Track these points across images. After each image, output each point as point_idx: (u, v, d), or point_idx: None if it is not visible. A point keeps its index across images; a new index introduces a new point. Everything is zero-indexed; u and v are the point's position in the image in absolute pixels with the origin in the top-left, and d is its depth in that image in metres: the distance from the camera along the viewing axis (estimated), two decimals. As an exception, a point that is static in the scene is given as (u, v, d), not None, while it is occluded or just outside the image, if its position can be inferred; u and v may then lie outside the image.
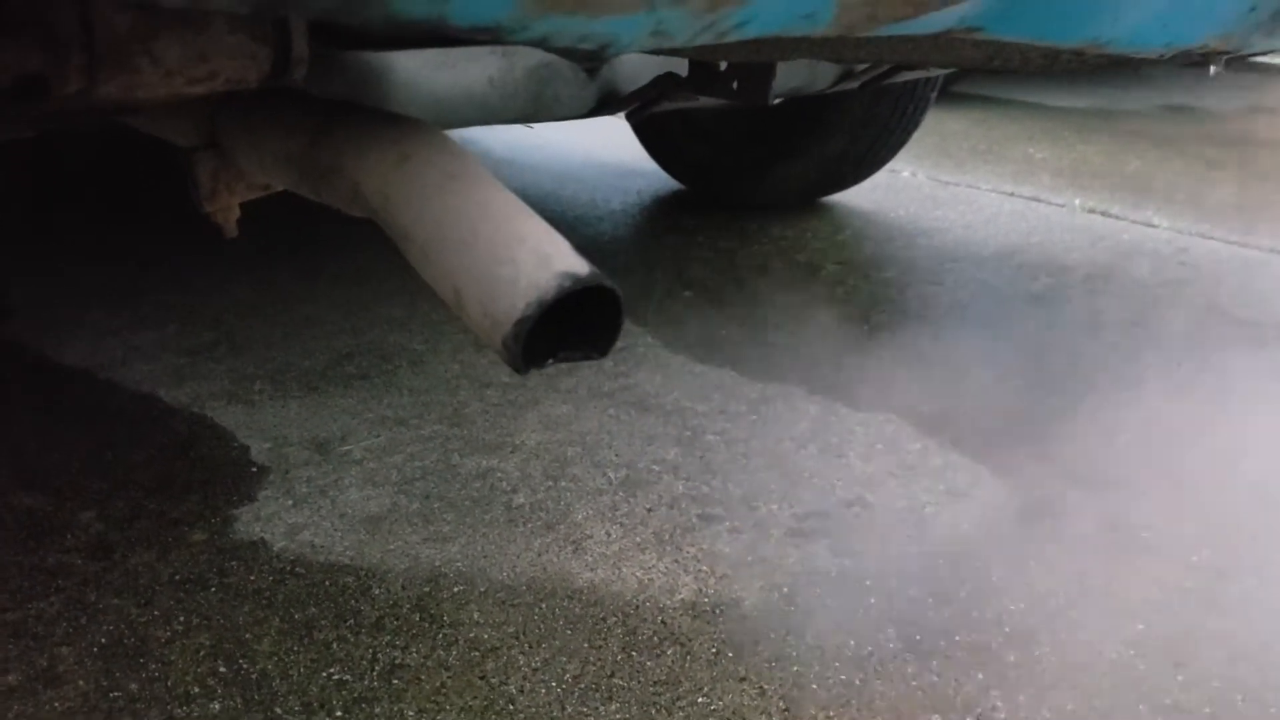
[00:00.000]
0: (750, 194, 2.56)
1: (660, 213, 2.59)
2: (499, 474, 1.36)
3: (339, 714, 0.97)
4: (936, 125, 3.60)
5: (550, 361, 0.63)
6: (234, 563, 1.17)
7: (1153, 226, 2.49)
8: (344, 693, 0.99)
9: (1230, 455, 1.43)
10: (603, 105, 1.38)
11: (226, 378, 1.60)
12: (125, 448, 1.39)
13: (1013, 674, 1.04)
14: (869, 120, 2.33)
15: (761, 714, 0.98)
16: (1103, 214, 2.60)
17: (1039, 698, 1.01)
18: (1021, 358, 1.73)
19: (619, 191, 2.74)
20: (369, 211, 0.69)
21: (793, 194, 2.57)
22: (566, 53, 0.51)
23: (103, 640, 1.05)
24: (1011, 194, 2.78)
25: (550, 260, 0.59)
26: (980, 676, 1.03)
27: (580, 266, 0.60)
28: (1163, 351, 1.78)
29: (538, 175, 2.88)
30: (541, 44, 0.50)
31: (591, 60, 0.55)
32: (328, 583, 1.14)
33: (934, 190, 2.81)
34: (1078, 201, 2.71)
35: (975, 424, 1.51)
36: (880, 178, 2.82)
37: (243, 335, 1.75)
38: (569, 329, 0.63)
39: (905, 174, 2.96)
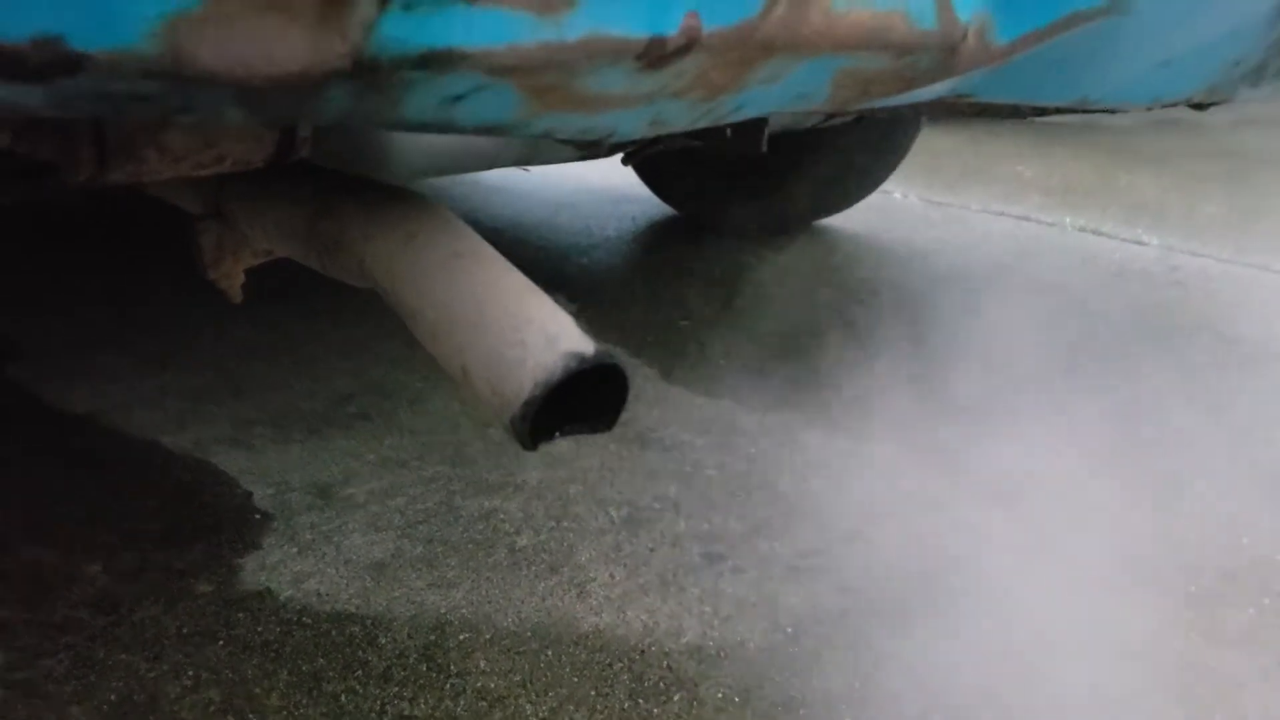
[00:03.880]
0: (744, 219, 2.57)
1: (654, 239, 2.61)
2: (502, 515, 1.37)
3: (349, 768, 0.98)
4: (926, 144, 3.61)
5: (557, 435, 0.64)
6: (241, 614, 1.18)
7: (1143, 244, 2.51)
8: (354, 746, 1.00)
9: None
10: (598, 149, 1.39)
11: (228, 422, 1.61)
12: (130, 497, 1.39)
13: (1015, 714, 1.05)
14: (861, 145, 2.35)
15: (769, 758, 0.99)
16: (1094, 232, 2.62)
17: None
18: (1014, 384, 1.74)
19: (613, 218, 2.75)
20: (375, 287, 0.71)
21: (787, 218, 2.59)
22: (569, 141, 0.53)
23: (112, 698, 1.05)
24: (1002, 214, 2.80)
25: (557, 341, 0.60)
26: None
27: (586, 347, 0.61)
28: (1156, 375, 1.79)
29: (530, 203, 2.90)
30: (546, 136, 0.51)
31: (593, 147, 0.56)
32: (334, 633, 1.15)
33: (926, 211, 2.82)
34: (1068, 220, 2.73)
35: (971, 454, 1.52)
36: (873, 199, 2.84)
37: (243, 378, 1.76)
38: (576, 401, 0.64)
39: (897, 195, 2.98)
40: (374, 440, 1.55)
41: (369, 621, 1.17)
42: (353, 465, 1.49)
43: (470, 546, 1.30)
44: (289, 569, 1.25)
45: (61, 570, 1.24)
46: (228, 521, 1.35)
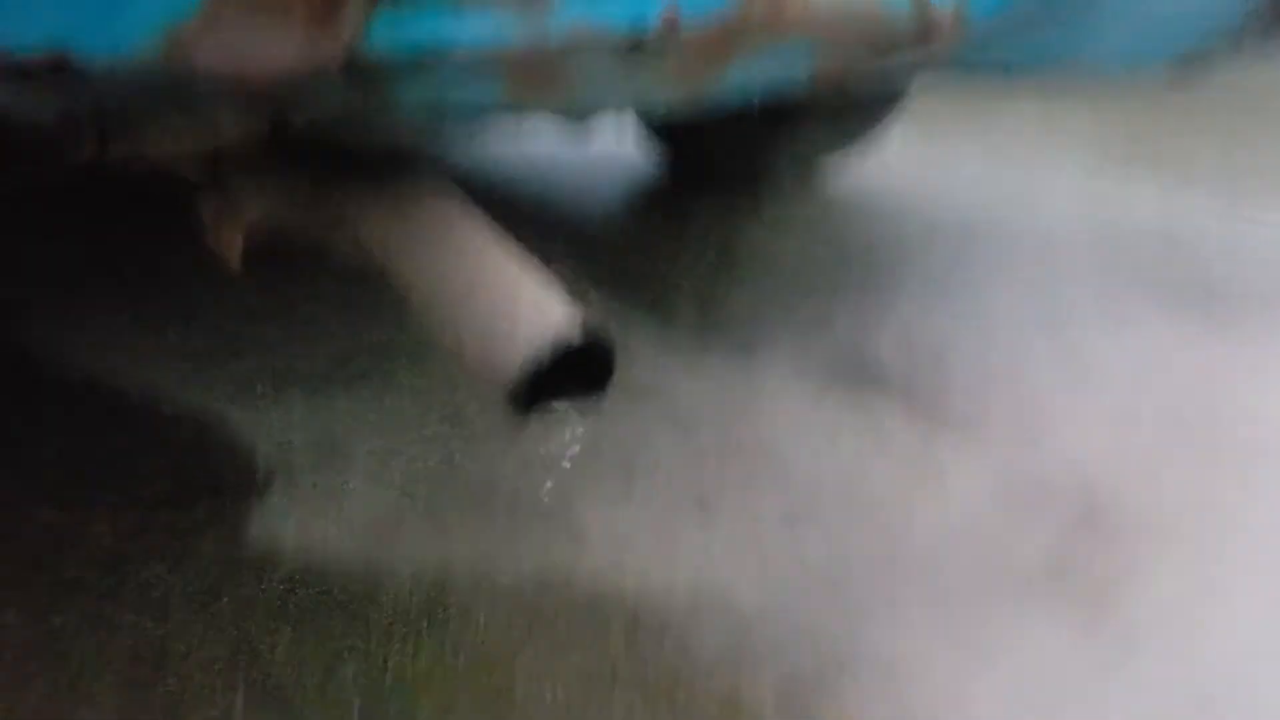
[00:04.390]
0: (741, 173, 2.57)
1: (650, 194, 2.61)
2: (500, 470, 1.39)
3: (354, 718, 1.01)
4: (923, 91, 3.60)
5: (550, 404, 0.66)
6: (245, 572, 1.21)
7: (1140, 194, 2.52)
8: (358, 697, 1.03)
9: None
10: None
11: (230, 382, 1.63)
12: (133, 459, 1.42)
13: (998, 661, 1.08)
14: (856, 98, 2.35)
15: (757, 700, 1.03)
16: (1091, 182, 2.62)
17: (1017, 685, 1.05)
18: (1011, 341, 1.76)
19: (609, 172, 2.76)
20: (371, 260, 0.72)
21: (784, 171, 2.59)
22: (556, 117, 0.55)
23: (123, 654, 1.08)
24: (1001, 163, 2.80)
25: (548, 316, 0.62)
26: (969, 663, 1.08)
27: (576, 322, 0.63)
28: (1143, 329, 1.80)
29: (524, 160, 2.90)
30: (534, 113, 0.53)
31: (580, 121, 0.58)
32: (337, 590, 1.18)
33: (923, 162, 2.83)
34: (1066, 169, 2.73)
35: (965, 409, 1.54)
36: (870, 149, 2.84)
37: (244, 338, 1.77)
38: (568, 370, 0.66)
39: (895, 145, 2.97)
40: (374, 400, 1.58)
41: (371, 577, 1.20)
42: (353, 424, 1.51)
43: (469, 502, 1.33)
44: (292, 527, 1.28)
45: (69, 530, 1.27)
46: (230, 481, 1.37)
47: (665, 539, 1.26)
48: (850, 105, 2.37)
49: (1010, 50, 0.68)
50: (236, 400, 1.57)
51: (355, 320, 1.84)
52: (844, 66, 0.58)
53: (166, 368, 1.67)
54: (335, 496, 1.34)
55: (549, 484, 1.36)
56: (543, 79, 0.47)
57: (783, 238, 2.26)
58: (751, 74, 0.56)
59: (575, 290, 1.94)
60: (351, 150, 0.78)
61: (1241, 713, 1.03)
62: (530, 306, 0.63)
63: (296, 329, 1.82)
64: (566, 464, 1.40)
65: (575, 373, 0.66)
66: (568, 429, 1.49)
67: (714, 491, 1.35)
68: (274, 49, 0.43)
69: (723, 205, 2.48)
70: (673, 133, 2.64)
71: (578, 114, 0.51)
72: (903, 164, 2.80)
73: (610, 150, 2.96)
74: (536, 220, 2.33)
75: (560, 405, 0.66)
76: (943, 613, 1.14)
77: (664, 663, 1.07)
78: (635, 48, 0.47)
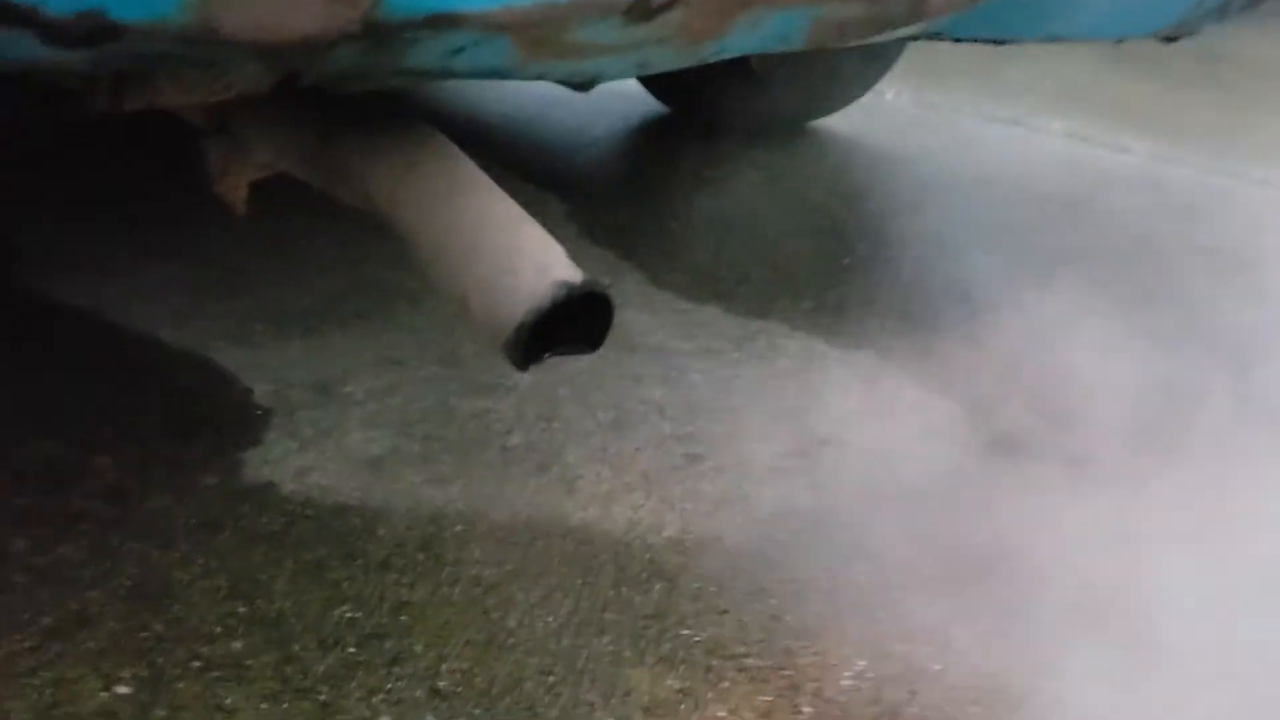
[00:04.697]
0: (737, 116, 2.57)
1: (645, 139, 2.62)
2: (494, 415, 1.43)
3: (352, 649, 1.05)
4: (919, 43, 3.60)
5: (547, 356, 0.69)
6: (246, 506, 1.24)
7: (1128, 153, 2.54)
8: (356, 629, 1.07)
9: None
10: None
11: (227, 318, 1.65)
12: (134, 393, 1.44)
13: (973, 604, 1.12)
14: (853, 48, 2.35)
15: (740, 645, 1.07)
16: (1081, 139, 2.64)
17: (997, 628, 1.10)
18: (992, 294, 1.79)
19: (604, 116, 2.75)
20: (375, 210, 0.75)
21: (779, 117, 2.59)
22: (562, 82, 0.57)
23: (128, 583, 1.12)
24: (993, 117, 2.81)
25: (548, 270, 0.65)
26: (944, 606, 1.12)
27: (575, 275, 0.66)
28: (1127, 284, 1.83)
29: (522, 100, 2.89)
30: (540, 79, 0.55)
31: (584, 88, 0.60)
32: (335, 524, 1.22)
33: (917, 113, 2.83)
34: (1057, 125, 2.74)
35: (948, 360, 1.57)
36: (866, 100, 2.84)
37: (241, 274, 1.79)
38: (565, 322, 0.69)
39: (889, 96, 2.98)
40: (371, 339, 1.60)
41: (368, 514, 1.23)
42: (351, 363, 1.54)
43: (465, 444, 1.36)
44: (291, 463, 1.31)
45: (72, 463, 1.30)
46: (230, 417, 1.40)
47: (654, 487, 1.29)
48: (843, 63, 2.37)
49: (1000, 24, 0.70)
50: (235, 336, 1.60)
51: (352, 256, 1.86)
52: (839, 30, 0.61)
53: (165, 302, 1.69)
54: (333, 434, 1.37)
55: (542, 430, 1.40)
56: (550, 42, 0.49)
57: (778, 186, 2.27)
58: (749, 38, 0.58)
59: (569, 240, 1.96)
60: (356, 98, 0.79)
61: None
62: (531, 261, 0.66)
63: (294, 265, 1.83)
64: (559, 411, 1.44)
65: (573, 325, 0.69)
66: (560, 377, 1.52)
67: (703, 441, 1.38)
68: (296, 14, 0.45)
69: (717, 154, 2.49)
70: (668, 83, 2.63)
71: (581, 80, 0.53)
72: (900, 115, 2.81)
73: (605, 96, 2.95)
74: (532, 166, 2.34)
75: (557, 357, 0.69)
76: (923, 559, 1.18)
77: (650, 606, 1.11)
78: (641, 11, 0.49)
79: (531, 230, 0.68)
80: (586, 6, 0.49)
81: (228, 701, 0.98)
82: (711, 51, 0.58)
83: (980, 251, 1.97)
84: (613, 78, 0.57)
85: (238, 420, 1.40)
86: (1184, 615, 1.07)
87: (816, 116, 2.63)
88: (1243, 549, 1.17)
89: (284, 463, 1.32)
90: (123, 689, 0.99)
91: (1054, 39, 0.76)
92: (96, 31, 0.44)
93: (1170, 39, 0.86)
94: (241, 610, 1.09)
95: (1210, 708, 0.99)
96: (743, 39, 0.58)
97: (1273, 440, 1.38)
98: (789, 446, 1.38)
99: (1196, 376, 1.52)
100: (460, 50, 0.50)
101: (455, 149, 0.72)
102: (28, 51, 0.46)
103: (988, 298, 1.77)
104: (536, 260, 0.65)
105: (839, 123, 2.70)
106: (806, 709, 1.00)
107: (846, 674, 1.04)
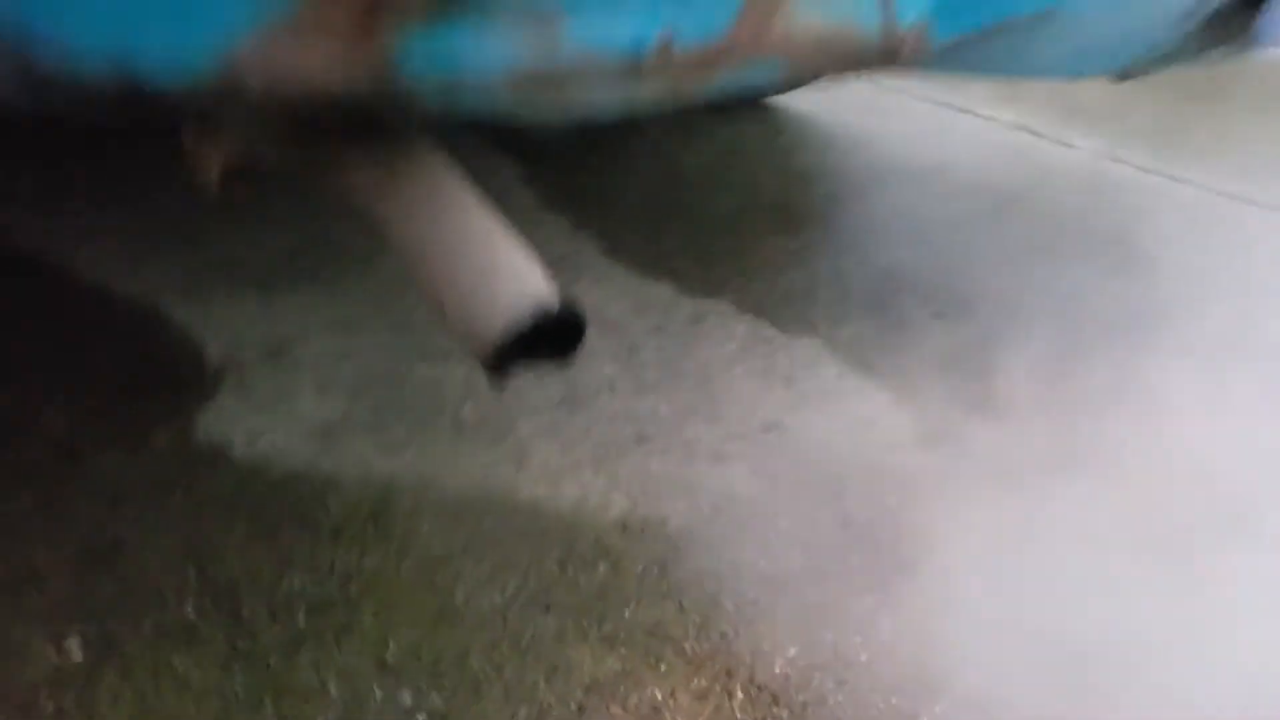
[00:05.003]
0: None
1: (604, 105, 2.62)
2: (447, 384, 1.44)
3: (301, 618, 1.08)
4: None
5: (521, 366, 0.72)
6: (198, 468, 1.25)
7: (1071, 147, 2.60)
8: (306, 598, 1.10)
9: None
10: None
11: (179, 270, 1.64)
12: (85, 345, 1.44)
13: (898, 596, 1.18)
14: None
15: (679, 628, 1.11)
16: (1029, 132, 2.69)
17: (919, 622, 1.15)
18: (935, 285, 1.84)
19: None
20: (357, 204, 0.76)
21: (738, 101, 2.61)
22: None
23: (77, 543, 1.13)
24: (944, 104, 2.85)
25: (525, 290, 0.67)
26: (871, 598, 1.17)
27: (552, 298, 0.68)
28: (1062, 279, 1.89)
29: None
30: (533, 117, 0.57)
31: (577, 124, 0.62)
32: (287, 490, 1.24)
33: (871, 96, 2.86)
34: (1008, 116, 2.79)
35: (888, 350, 1.62)
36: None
37: (192, 223, 1.77)
38: (540, 336, 0.71)
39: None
40: (324, 300, 1.61)
41: (319, 481, 1.25)
42: (303, 325, 1.54)
43: (417, 413, 1.38)
44: (243, 426, 1.33)
45: (22, 416, 1.30)
46: (183, 375, 1.41)
47: (603, 466, 1.33)
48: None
49: (965, 63, 0.73)
50: (187, 291, 1.59)
51: (305, 211, 1.85)
52: (814, 74, 0.63)
53: (116, 251, 1.68)
54: (286, 397, 1.38)
55: (494, 402, 1.42)
56: (547, 95, 0.51)
57: (732, 163, 2.30)
58: (730, 83, 0.61)
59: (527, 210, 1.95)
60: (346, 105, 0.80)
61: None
62: (510, 280, 0.68)
63: (245, 216, 1.81)
64: (511, 386, 1.46)
65: (547, 337, 0.72)
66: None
67: (651, 423, 1.42)
68: (316, 71, 0.46)
69: (675, 128, 2.51)
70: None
71: (570, 119, 0.55)
72: (854, 94, 2.83)
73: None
74: (488, 129, 2.33)
75: (531, 367, 0.71)
76: (854, 548, 1.23)
77: (595, 586, 1.15)
78: (633, 68, 0.52)
79: (512, 246, 0.70)
80: (584, 63, 0.51)
81: (179, 668, 1.00)
82: (694, 94, 0.61)
83: (925, 242, 2.02)
84: (603, 114, 0.60)
85: (190, 380, 1.40)
86: (1095, 610, 1.14)
87: (776, 92, 2.65)
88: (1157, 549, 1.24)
89: (236, 425, 1.33)
90: (73, 651, 1.01)
91: (1012, 77, 0.80)
92: (132, 97, 0.45)
93: (1122, 79, 0.90)
94: (192, 574, 1.11)
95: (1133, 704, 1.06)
96: (723, 86, 0.60)
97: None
98: (733, 430, 1.42)
99: (1116, 372, 1.58)
100: (463, 102, 0.52)
101: (441, 159, 0.74)
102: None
103: (931, 289, 1.82)
104: (515, 280, 0.67)
105: (796, 101, 2.72)
106: (739, 694, 1.05)
107: (779, 660, 1.09)
